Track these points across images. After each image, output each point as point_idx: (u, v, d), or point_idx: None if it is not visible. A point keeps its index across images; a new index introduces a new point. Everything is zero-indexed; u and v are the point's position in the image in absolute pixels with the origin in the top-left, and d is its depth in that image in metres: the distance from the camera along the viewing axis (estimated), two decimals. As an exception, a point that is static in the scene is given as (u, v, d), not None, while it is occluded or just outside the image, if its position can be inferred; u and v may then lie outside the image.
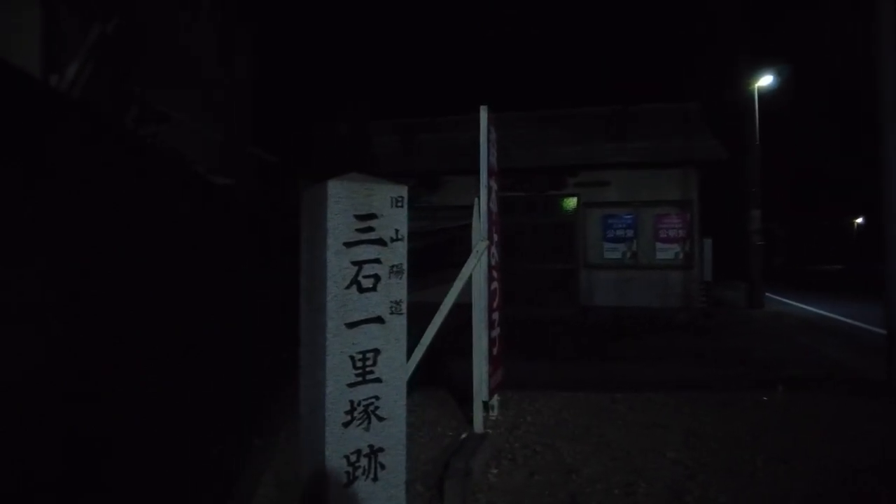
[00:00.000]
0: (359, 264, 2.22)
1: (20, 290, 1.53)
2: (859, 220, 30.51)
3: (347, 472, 2.21)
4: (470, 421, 4.41)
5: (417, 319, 4.16)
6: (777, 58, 14.78)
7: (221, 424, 3.00)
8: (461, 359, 4.53)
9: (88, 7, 3.96)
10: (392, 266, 2.32)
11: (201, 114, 7.96)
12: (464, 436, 4.22)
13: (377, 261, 2.27)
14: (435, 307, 4.27)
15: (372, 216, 2.25)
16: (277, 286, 3.68)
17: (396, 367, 2.34)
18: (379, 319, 2.28)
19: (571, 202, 12.99)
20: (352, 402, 2.22)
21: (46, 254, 1.62)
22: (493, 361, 4.58)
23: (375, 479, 2.28)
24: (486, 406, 4.61)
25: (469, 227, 4.56)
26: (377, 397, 2.28)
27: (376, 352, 2.28)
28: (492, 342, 4.56)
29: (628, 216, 12.62)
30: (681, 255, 12.19)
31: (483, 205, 4.48)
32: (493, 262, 4.66)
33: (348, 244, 2.20)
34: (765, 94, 14.34)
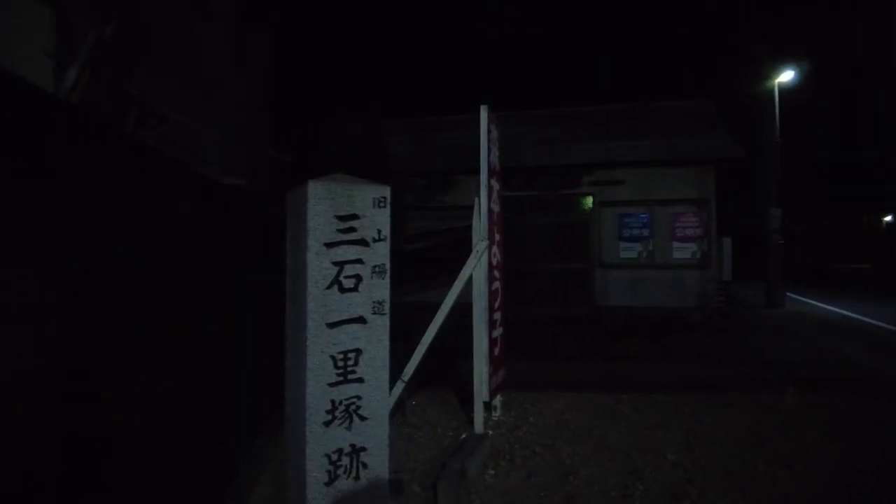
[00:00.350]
0: (340, 264, 2.23)
1: (21, 290, 1.55)
2: (888, 218, 29.73)
3: (329, 471, 2.22)
4: (471, 421, 4.40)
5: (426, 319, 4.19)
6: (797, 51, 14.47)
7: (222, 424, 3.04)
8: (466, 358, 4.52)
9: (91, 10, 4.04)
10: (374, 266, 2.32)
11: (215, 114, 8.07)
12: (463, 436, 4.22)
13: (359, 261, 2.28)
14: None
15: (353, 217, 2.26)
16: (278, 286, 3.72)
17: (379, 366, 2.35)
18: (361, 319, 2.29)
19: (586, 201, 12.87)
20: (333, 401, 2.23)
21: (44, 254, 1.64)
22: (495, 362, 4.56)
23: (357, 478, 2.29)
24: (489, 406, 4.59)
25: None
26: (359, 397, 2.29)
27: (358, 352, 2.28)
28: (493, 342, 4.54)
29: (644, 215, 12.46)
30: (697, 255, 12.00)
31: (483, 204, 4.46)
32: (494, 262, 4.64)
33: (329, 244, 2.21)
34: (783, 90, 14.04)
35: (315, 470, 2.18)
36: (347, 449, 2.26)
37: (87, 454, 1.79)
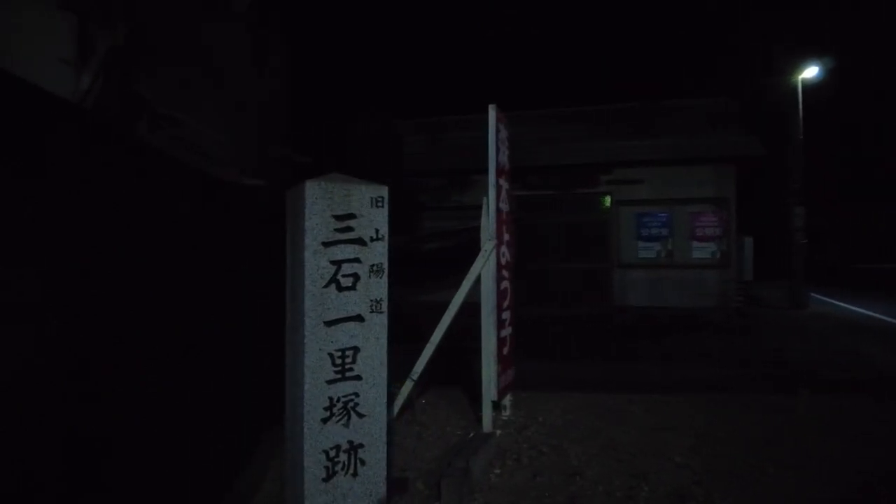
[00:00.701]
0: (338, 263, 2.27)
1: (21, 289, 1.57)
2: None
3: (326, 467, 2.25)
4: (480, 420, 4.40)
5: (439, 319, 4.22)
6: (821, 46, 14.13)
7: (230, 420, 3.10)
8: (478, 358, 4.54)
9: (106, 16, 4.14)
10: (372, 265, 2.35)
11: (234, 116, 8.19)
12: (471, 435, 4.23)
13: (357, 260, 2.31)
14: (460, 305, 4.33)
15: (351, 216, 2.29)
16: (279, 285, 3.76)
17: (376, 364, 2.37)
18: (358, 318, 2.32)
19: (604, 200, 12.78)
20: (331, 398, 2.26)
21: (44, 254, 1.65)
22: (503, 361, 4.56)
23: (355, 474, 2.32)
24: (498, 406, 4.60)
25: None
26: (357, 394, 2.32)
27: (356, 350, 2.31)
28: (501, 342, 4.54)
29: (663, 214, 12.33)
30: (717, 254, 11.83)
31: (492, 204, 4.47)
32: (503, 262, 4.64)
33: (327, 243, 2.24)
34: (807, 86, 13.73)
35: (313, 466, 2.21)
36: (345, 446, 2.29)
37: (96, 450, 1.81)
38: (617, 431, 4.33)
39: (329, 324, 2.24)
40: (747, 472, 3.47)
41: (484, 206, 4.53)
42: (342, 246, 2.27)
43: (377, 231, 2.36)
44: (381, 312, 2.38)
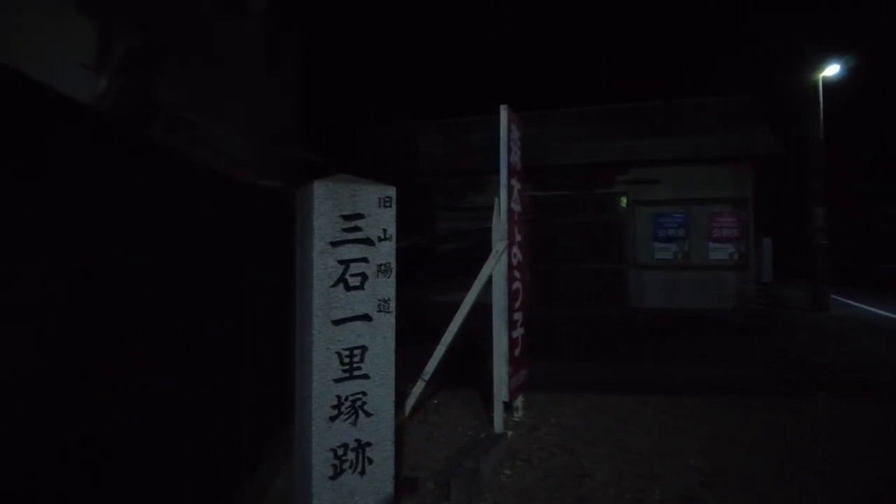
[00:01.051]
0: (345, 263, 2.29)
1: (24, 289, 1.56)
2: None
3: (334, 465, 2.27)
4: (492, 421, 4.40)
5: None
6: (842, 43, 13.85)
7: (242, 419, 3.13)
8: (490, 358, 4.54)
9: (123, 18, 4.21)
10: (380, 265, 2.36)
11: (249, 117, 8.28)
12: (482, 435, 4.23)
13: (364, 260, 2.33)
14: (474, 306, 4.33)
15: (358, 216, 2.31)
16: (280, 284, 3.77)
17: (384, 364, 2.39)
18: (366, 317, 2.33)
19: (620, 200, 12.68)
20: (339, 397, 2.28)
21: (45, 253, 1.66)
22: (515, 362, 4.55)
23: (363, 473, 2.34)
24: (510, 407, 4.59)
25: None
26: (364, 393, 2.33)
27: (363, 349, 2.33)
28: (513, 343, 4.53)
29: (679, 215, 12.20)
30: (735, 255, 11.67)
31: (503, 204, 4.46)
32: (514, 262, 4.63)
33: (334, 243, 2.26)
34: (828, 84, 13.47)
35: (320, 464, 2.24)
36: (353, 444, 2.31)
37: (106, 451, 1.81)
38: (629, 433, 4.30)
39: (337, 323, 2.26)
40: (762, 477, 3.42)
41: (496, 207, 4.52)
42: (350, 246, 2.29)
43: (385, 231, 2.38)
44: (389, 312, 2.40)
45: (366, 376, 2.34)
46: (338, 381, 2.27)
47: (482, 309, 4.33)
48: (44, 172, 1.59)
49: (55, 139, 1.65)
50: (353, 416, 2.31)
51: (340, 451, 2.28)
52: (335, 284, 2.27)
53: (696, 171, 11.90)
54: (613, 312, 11.85)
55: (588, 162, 12.52)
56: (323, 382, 2.24)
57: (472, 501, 3.26)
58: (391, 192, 2.41)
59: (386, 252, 2.38)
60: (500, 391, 4.33)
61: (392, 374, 2.44)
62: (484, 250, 4.62)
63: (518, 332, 4.74)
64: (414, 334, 4.38)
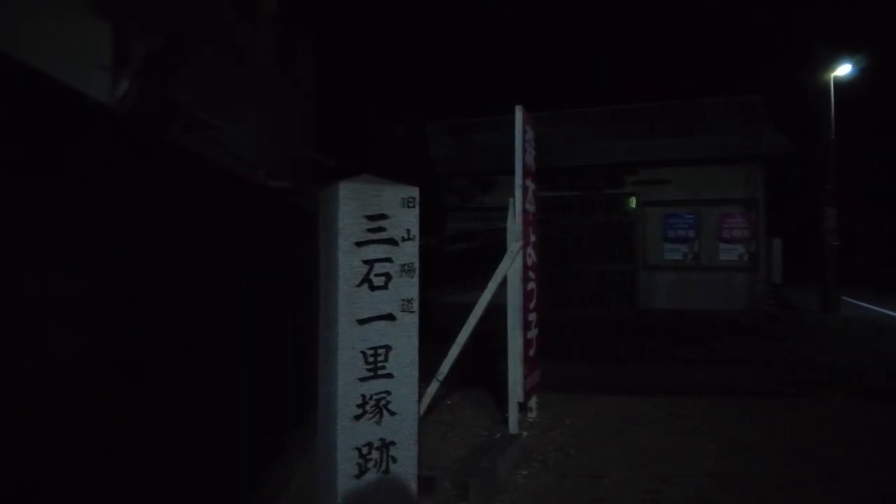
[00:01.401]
0: (370, 263, 2.31)
1: (36, 288, 1.53)
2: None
3: (359, 464, 2.29)
4: (506, 422, 4.41)
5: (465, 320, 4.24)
6: (855, 42, 13.76)
7: (259, 419, 3.15)
8: (503, 360, 4.55)
9: (142, 21, 4.25)
10: (403, 265, 2.38)
11: (260, 119, 8.33)
12: (497, 436, 4.24)
13: (388, 260, 2.35)
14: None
15: (382, 216, 2.33)
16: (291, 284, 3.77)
17: (408, 363, 2.40)
18: (390, 317, 2.35)
19: (630, 201, 12.64)
20: (363, 396, 2.30)
21: (66, 252, 1.63)
22: (529, 363, 4.55)
23: (387, 471, 2.35)
24: (524, 407, 4.59)
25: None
26: (388, 392, 2.35)
27: (387, 348, 2.35)
28: (528, 343, 4.54)
29: (690, 215, 12.16)
30: (745, 256, 11.62)
31: (518, 205, 4.47)
32: (529, 263, 4.64)
33: (359, 243, 2.28)
34: (840, 84, 13.39)
35: (345, 462, 2.25)
36: (377, 443, 2.33)
37: (123, 450, 1.79)
38: (643, 435, 4.30)
39: (361, 322, 2.28)
40: (778, 479, 3.41)
41: (510, 207, 4.53)
42: (374, 246, 2.31)
43: (408, 231, 2.40)
44: (412, 312, 2.42)
45: (390, 375, 2.36)
46: (362, 380, 2.29)
47: (493, 310, 4.33)
48: (66, 173, 1.56)
49: (81, 141, 1.64)
50: (378, 416, 2.33)
51: (365, 450, 2.29)
52: (360, 284, 2.29)
53: (706, 172, 11.86)
54: (623, 313, 11.83)
55: (597, 163, 12.50)
56: (348, 382, 2.26)
57: (489, 501, 3.27)
58: (414, 192, 2.43)
59: (409, 252, 2.40)
60: (515, 391, 4.34)
61: (415, 373, 2.46)
62: (493, 251, 4.63)
63: (532, 333, 4.75)
64: (424, 335, 4.39)
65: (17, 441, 1.27)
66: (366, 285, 2.30)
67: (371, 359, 2.31)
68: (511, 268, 4.41)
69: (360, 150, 13.53)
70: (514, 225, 4.46)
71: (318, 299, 2.57)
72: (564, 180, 12.59)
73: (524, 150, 4.56)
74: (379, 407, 2.33)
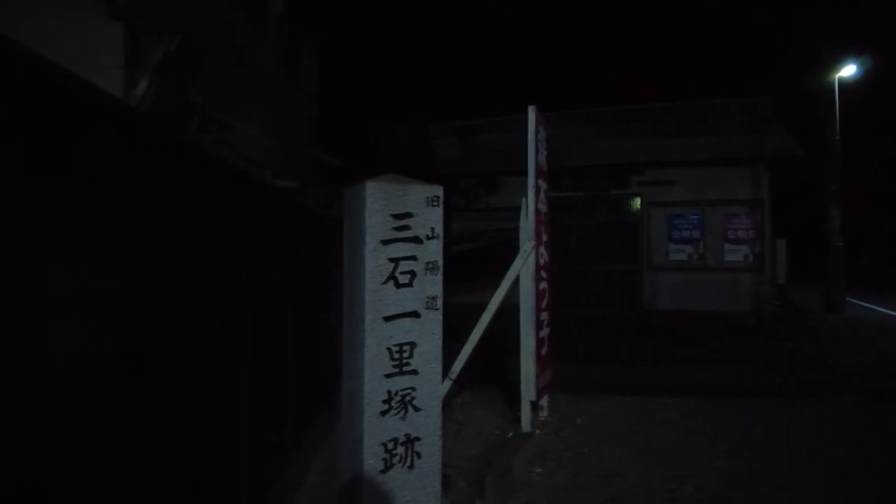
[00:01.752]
0: (395, 261, 2.34)
1: (65, 282, 1.52)
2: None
3: (385, 459, 2.32)
4: (518, 420, 4.43)
5: (473, 320, 4.26)
6: (859, 43, 13.77)
7: (273, 418, 3.17)
8: (512, 360, 4.58)
9: (157, 24, 4.28)
10: (427, 263, 2.41)
11: (269, 120, 8.38)
12: (510, 434, 4.26)
13: (413, 258, 2.38)
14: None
15: (408, 215, 2.36)
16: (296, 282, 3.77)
17: (432, 360, 2.43)
18: (415, 314, 2.38)
19: (635, 202, 12.67)
20: (389, 391, 2.33)
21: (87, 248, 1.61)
22: (541, 362, 4.58)
23: (411, 467, 2.38)
24: (535, 406, 4.62)
25: None
26: (413, 388, 2.38)
27: (412, 345, 2.38)
28: (540, 342, 4.57)
29: (695, 216, 12.18)
30: (750, 257, 11.64)
31: (531, 205, 4.50)
32: (541, 262, 4.67)
33: (385, 242, 2.31)
34: (845, 85, 13.39)
35: (371, 458, 2.28)
36: (402, 438, 2.35)
37: (129, 445, 1.75)
38: (655, 434, 4.33)
39: (387, 319, 2.31)
40: (792, 480, 3.43)
41: (523, 207, 4.56)
42: (399, 244, 2.34)
43: (432, 230, 2.42)
44: (437, 309, 2.44)
45: (415, 372, 2.38)
46: (388, 376, 2.32)
47: (501, 309, 4.35)
48: (77, 170, 1.53)
49: (101, 139, 1.62)
50: (403, 411, 2.35)
51: (391, 446, 2.32)
52: (385, 282, 2.32)
53: (711, 173, 11.88)
54: (628, 314, 11.85)
55: (602, 163, 12.52)
56: (374, 378, 2.29)
57: (505, 499, 3.30)
58: (439, 191, 2.46)
59: (433, 250, 2.43)
60: (528, 390, 4.37)
61: (439, 369, 2.49)
62: (498, 251, 4.66)
63: (544, 332, 4.78)
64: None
65: (19, 439, 1.26)
66: (391, 283, 2.33)
67: (396, 355, 2.34)
68: (524, 267, 4.44)
69: (364, 152, 13.58)
70: (527, 224, 4.49)
71: (341, 297, 2.59)
72: (569, 181, 12.61)
73: (537, 149, 4.59)
74: (404, 403, 2.36)
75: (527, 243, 4.45)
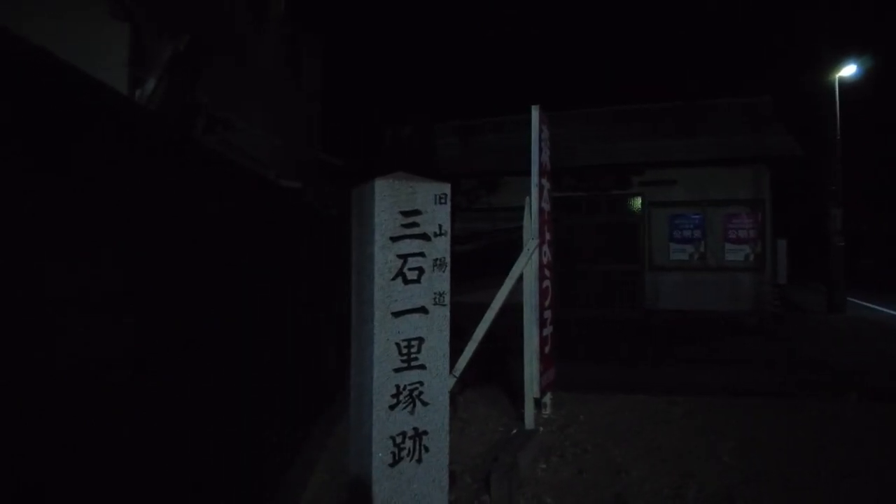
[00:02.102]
0: (404, 257, 2.37)
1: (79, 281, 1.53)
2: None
3: (393, 453, 2.35)
4: (521, 418, 4.46)
5: (475, 319, 4.29)
6: (860, 43, 13.79)
7: (279, 415, 3.19)
8: (516, 358, 4.60)
9: (166, 24, 4.31)
10: (435, 259, 2.44)
11: (273, 121, 8.41)
12: (514, 432, 4.29)
13: (421, 254, 2.41)
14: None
15: (416, 212, 2.39)
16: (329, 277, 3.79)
17: (439, 355, 2.46)
18: (423, 310, 2.41)
19: (636, 202, 12.69)
20: (398, 386, 2.36)
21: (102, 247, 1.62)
22: (545, 360, 4.61)
23: (420, 460, 2.41)
24: (539, 404, 4.65)
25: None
26: (421, 383, 2.41)
27: (420, 340, 2.41)
28: (543, 341, 4.60)
29: (696, 216, 12.19)
30: (751, 257, 11.67)
31: (534, 204, 4.53)
32: (544, 261, 4.70)
33: (394, 238, 2.34)
34: (845, 84, 13.42)
35: (380, 451, 2.31)
36: (410, 432, 2.38)
37: (134, 445, 1.76)
38: (659, 432, 4.35)
39: (396, 315, 2.34)
40: (797, 477, 3.44)
41: (526, 206, 4.59)
42: (408, 241, 2.37)
43: (440, 227, 2.46)
44: (444, 305, 2.47)
45: (423, 366, 2.41)
46: (397, 370, 2.35)
47: (503, 308, 4.38)
48: (79, 169, 1.53)
49: (110, 138, 1.63)
50: (411, 405, 2.38)
51: (399, 439, 2.35)
52: (394, 278, 2.35)
53: (711, 173, 11.90)
54: (629, 313, 11.87)
55: (603, 163, 12.54)
56: (383, 372, 2.32)
57: (511, 494, 3.32)
58: (446, 189, 2.49)
59: (441, 247, 2.46)
60: (532, 388, 4.40)
61: (447, 364, 2.52)
62: (499, 251, 4.69)
63: (547, 331, 4.81)
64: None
65: (19, 439, 1.26)
66: (400, 279, 2.36)
67: (405, 350, 2.36)
68: (527, 266, 4.46)
69: (365, 152, 13.62)
70: (531, 223, 4.52)
71: (342, 297, 2.62)
72: (570, 181, 12.63)
73: (540, 149, 4.62)
74: (412, 397, 2.39)
75: (531, 242, 4.47)
